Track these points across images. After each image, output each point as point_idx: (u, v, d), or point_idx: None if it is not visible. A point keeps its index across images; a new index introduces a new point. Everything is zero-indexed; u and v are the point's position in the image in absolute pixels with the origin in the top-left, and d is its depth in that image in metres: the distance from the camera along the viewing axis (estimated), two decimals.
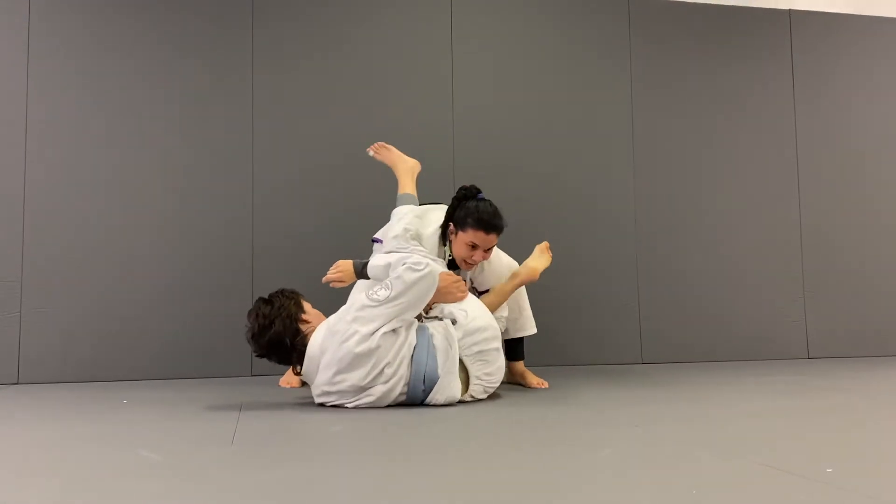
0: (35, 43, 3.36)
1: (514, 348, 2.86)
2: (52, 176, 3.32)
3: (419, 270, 2.23)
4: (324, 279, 2.49)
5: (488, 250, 2.61)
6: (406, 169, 2.91)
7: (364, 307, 2.19)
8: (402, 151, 3.68)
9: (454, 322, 2.34)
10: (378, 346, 2.15)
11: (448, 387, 2.23)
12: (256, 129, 3.52)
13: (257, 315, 2.26)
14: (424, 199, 3.68)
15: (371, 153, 2.99)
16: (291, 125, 3.56)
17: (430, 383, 2.21)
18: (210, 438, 1.83)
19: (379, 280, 2.32)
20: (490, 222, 2.55)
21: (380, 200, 3.60)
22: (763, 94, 4.08)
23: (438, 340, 2.25)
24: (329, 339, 2.20)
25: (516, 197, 3.72)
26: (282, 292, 2.33)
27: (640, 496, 1.24)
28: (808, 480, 1.30)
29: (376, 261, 2.39)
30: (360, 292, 2.37)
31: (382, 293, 2.20)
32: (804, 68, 4.14)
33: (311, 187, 3.55)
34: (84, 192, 3.34)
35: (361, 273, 2.44)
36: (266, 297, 2.33)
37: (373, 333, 2.15)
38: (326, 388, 2.22)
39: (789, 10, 4.15)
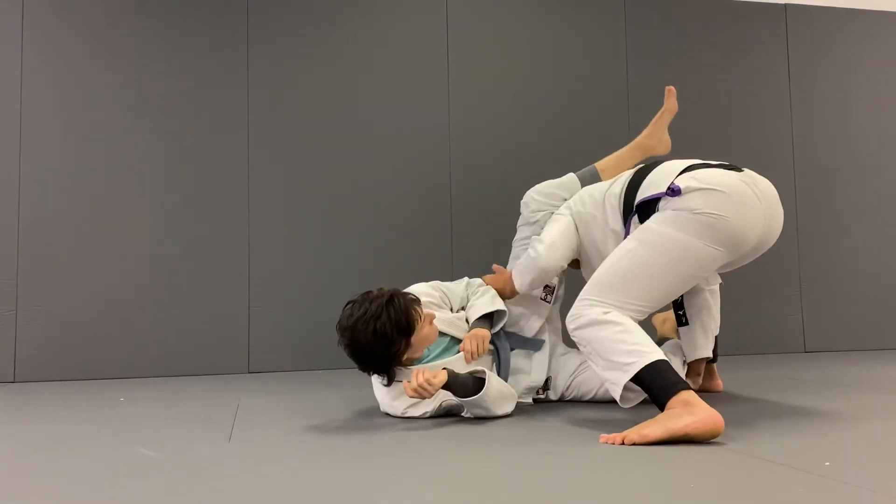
0: (29, 39, 3.34)
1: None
2: (47, 173, 3.31)
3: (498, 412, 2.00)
4: (410, 393, 1.89)
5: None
6: (643, 146, 2.48)
7: (409, 408, 2.04)
8: (398, 149, 3.67)
9: (545, 391, 2.30)
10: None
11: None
12: (252, 126, 3.50)
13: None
14: (421, 203, 3.68)
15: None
16: (287, 122, 3.54)
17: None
18: (208, 435, 1.82)
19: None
20: None
21: (377, 197, 3.60)
22: (759, 89, 4.07)
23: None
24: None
25: (514, 196, 3.71)
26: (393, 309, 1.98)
27: (638, 491, 1.24)
28: (806, 474, 1.30)
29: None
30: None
31: (418, 410, 2.03)
32: (800, 63, 4.14)
33: (308, 184, 3.54)
34: (79, 190, 3.33)
35: (455, 390, 1.95)
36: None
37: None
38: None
39: (785, 4, 4.15)
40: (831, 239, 4.08)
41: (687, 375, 2.34)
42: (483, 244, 3.57)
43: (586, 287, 1.93)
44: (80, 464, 1.53)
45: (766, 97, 4.08)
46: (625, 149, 2.52)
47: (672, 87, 2.41)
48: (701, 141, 3.97)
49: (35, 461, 1.57)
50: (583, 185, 2.38)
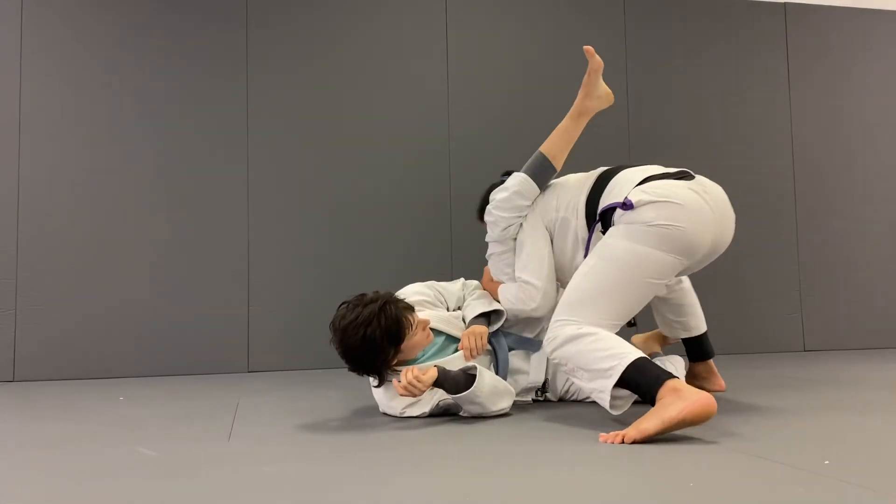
0: (28, 41, 3.34)
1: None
2: (46, 174, 3.31)
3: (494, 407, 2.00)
4: (400, 391, 1.92)
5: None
6: (585, 110, 2.36)
7: (407, 408, 2.04)
8: (398, 149, 3.67)
9: (544, 392, 2.29)
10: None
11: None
12: (252, 127, 3.50)
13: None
14: (420, 203, 3.68)
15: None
16: (287, 122, 3.54)
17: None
18: (207, 435, 1.82)
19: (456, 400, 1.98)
20: None
21: (376, 198, 3.60)
22: (759, 88, 4.08)
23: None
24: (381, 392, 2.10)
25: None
26: (383, 315, 1.96)
27: (638, 490, 1.24)
28: (806, 473, 1.30)
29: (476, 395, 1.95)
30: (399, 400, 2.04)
31: (416, 410, 2.03)
32: (800, 62, 4.14)
33: (307, 184, 3.54)
34: (79, 190, 3.33)
35: (446, 387, 1.95)
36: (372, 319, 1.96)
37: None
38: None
39: (785, 3, 4.15)
40: (831, 239, 4.08)
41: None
42: (483, 244, 3.56)
43: (557, 308, 1.96)
44: (80, 464, 1.52)
45: (766, 97, 4.08)
46: (566, 120, 2.37)
47: (590, 47, 2.34)
48: (700, 141, 3.97)
49: (35, 461, 1.57)
50: (537, 179, 2.27)
